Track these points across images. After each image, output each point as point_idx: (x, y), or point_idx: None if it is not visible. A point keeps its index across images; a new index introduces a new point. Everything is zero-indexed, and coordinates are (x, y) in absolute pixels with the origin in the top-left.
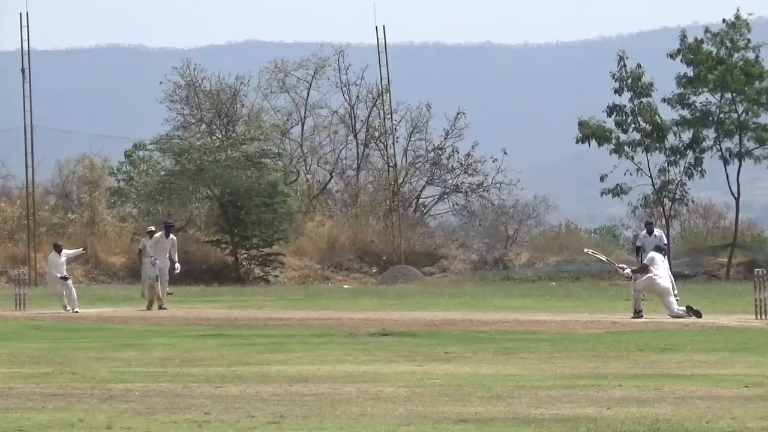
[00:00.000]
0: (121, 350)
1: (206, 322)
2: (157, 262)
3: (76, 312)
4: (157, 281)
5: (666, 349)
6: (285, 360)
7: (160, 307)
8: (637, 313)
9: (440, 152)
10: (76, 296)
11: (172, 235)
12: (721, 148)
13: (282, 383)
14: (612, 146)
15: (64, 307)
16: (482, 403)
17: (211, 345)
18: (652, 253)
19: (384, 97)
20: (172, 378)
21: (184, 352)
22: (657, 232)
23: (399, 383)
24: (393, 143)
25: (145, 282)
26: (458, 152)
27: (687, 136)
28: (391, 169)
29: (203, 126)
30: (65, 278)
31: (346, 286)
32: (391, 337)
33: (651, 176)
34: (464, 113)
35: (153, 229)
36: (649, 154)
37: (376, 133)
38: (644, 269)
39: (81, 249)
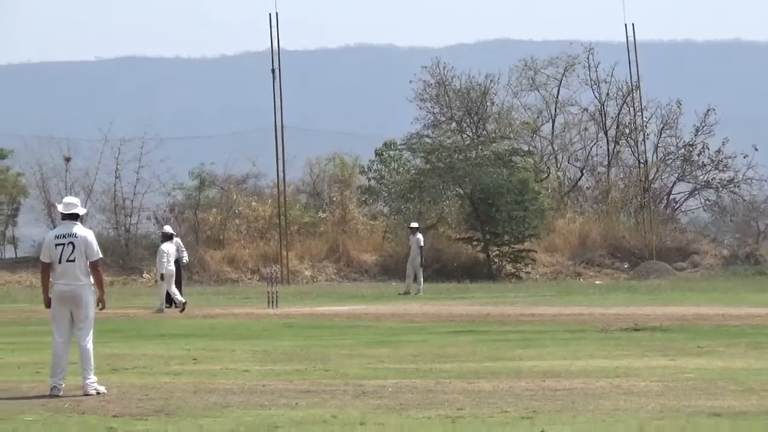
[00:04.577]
0: (373, 347)
1: (458, 318)
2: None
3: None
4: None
5: None
6: (537, 355)
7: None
8: None
9: (691, 148)
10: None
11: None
12: None
13: (534, 378)
14: None
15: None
16: (735, 397)
17: (464, 341)
18: None
19: (634, 94)
20: (425, 374)
21: (436, 348)
22: None
23: (651, 378)
24: (644, 140)
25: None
26: (708, 148)
27: None
28: (642, 165)
29: (453, 124)
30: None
31: (597, 282)
32: (643, 332)
33: None
34: (714, 109)
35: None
36: None
37: (627, 130)
38: None
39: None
